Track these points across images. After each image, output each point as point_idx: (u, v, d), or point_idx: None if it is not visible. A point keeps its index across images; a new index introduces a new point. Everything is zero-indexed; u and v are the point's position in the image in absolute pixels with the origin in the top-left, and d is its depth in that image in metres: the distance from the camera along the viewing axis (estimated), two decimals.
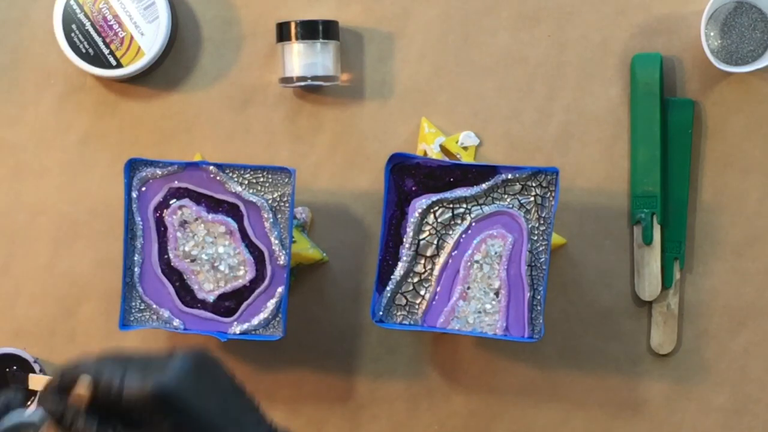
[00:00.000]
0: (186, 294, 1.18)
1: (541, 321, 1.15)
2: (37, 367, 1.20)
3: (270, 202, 1.17)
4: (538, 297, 1.15)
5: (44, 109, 1.26)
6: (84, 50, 1.22)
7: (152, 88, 1.25)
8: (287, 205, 1.17)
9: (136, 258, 1.18)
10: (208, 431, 0.84)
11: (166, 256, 1.18)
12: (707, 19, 1.20)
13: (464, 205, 1.16)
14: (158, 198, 1.18)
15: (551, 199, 1.15)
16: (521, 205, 1.15)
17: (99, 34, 1.21)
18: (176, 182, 1.18)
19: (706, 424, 1.23)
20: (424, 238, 1.16)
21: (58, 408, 0.87)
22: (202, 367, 0.86)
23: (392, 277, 1.16)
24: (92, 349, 1.24)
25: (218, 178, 1.17)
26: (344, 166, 1.24)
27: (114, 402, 0.84)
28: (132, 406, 0.84)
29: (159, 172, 1.18)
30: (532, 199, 1.15)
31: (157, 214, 1.18)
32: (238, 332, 1.18)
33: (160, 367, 0.85)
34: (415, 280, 1.17)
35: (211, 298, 1.18)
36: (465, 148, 1.23)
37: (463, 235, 1.16)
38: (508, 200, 1.16)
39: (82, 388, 0.86)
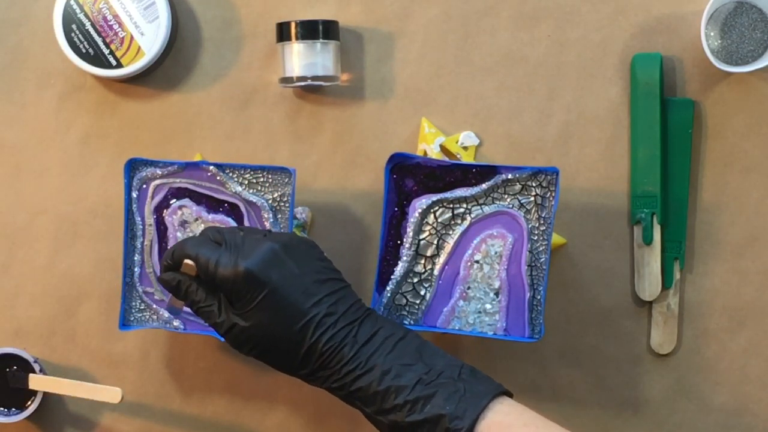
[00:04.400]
0: None
1: (541, 321, 1.15)
2: (37, 367, 1.20)
3: (270, 202, 1.17)
4: (538, 297, 1.15)
5: (44, 109, 1.26)
6: (84, 50, 1.22)
7: (152, 88, 1.25)
8: (287, 205, 1.17)
9: (136, 258, 1.18)
10: (287, 305, 1.02)
11: None
12: (707, 19, 1.20)
13: (464, 205, 1.16)
14: (158, 198, 1.18)
15: (551, 199, 1.15)
16: (521, 205, 1.15)
17: (99, 34, 1.21)
18: (176, 182, 1.18)
19: (706, 424, 1.23)
20: (424, 238, 1.16)
21: (174, 279, 1.07)
22: (288, 252, 1.04)
23: (392, 277, 1.16)
24: (92, 349, 1.25)
25: (218, 178, 1.17)
26: (344, 166, 1.24)
27: (211, 278, 1.03)
28: (225, 282, 1.03)
29: (159, 172, 1.18)
30: (532, 199, 1.15)
31: (157, 214, 1.18)
32: None
33: (247, 251, 1.03)
34: (415, 280, 1.17)
35: None
36: (465, 148, 1.23)
37: (463, 235, 1.16)
38: (508, 200, 1.16)
39: (188, 262, 1.05)
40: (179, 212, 1.18)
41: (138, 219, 1.18)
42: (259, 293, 1.02)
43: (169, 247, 1.16)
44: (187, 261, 1.05)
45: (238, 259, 1.02)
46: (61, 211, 1.26)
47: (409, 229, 1.16)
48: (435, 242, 1.16)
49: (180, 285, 1.06)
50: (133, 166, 1.18)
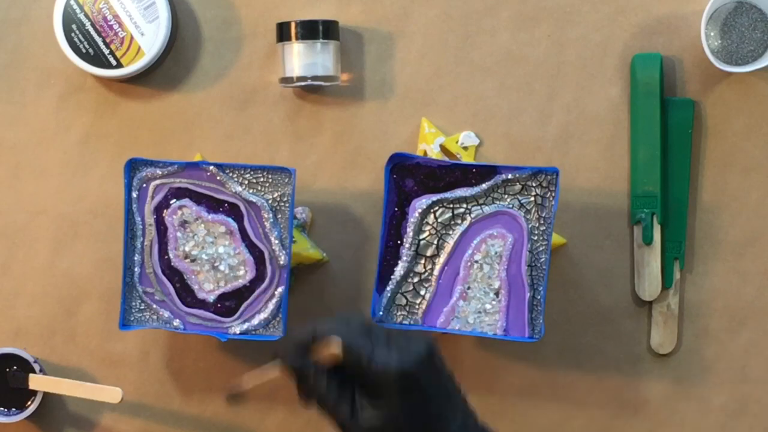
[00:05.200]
0: (186, 294, 1.18)
1: (541, 321, 1.15)
2: (37, 367, 1.20)
3: (270, 202, 1.17)
4: (538, 297, 1.15)
5: (44, 109, 1.26)
6: (84, 50, 1.22)
7: (152, 88, 1.25)
8: (287, 205, 1.17)
9: (136, 258, 1.18)
10: (434, 413, 0.94)
11: (166, 257, 1.18)
12: (707, 19, 1.20)
13: (464, 205, 1.16)
14: (158, 198, 1.18)
15: (551, 199, 1.15)
16: (521, 205, 1.15)
17: (99, 34, 1.21)
18: (176, 182, 1.18)
19: (706, 424, 1.23)
20: (424, 238, 1.16)
21: (301, 363, 0.95)
22: (434, 355, 0.95)
23: (392, 277, 1.16)
24: (92, 349, 1.25)
25: (218, 178, 1.17)
26: (344, 166, 1.24)
27: (358, 370, 0.93)
28: (374, 377, 0.93)
29: (159, 172, 1.18)
30: (532, 199, 1.15)
31: (157, 214, 1.18)
32: (238, 332, 1.18)
33: (403, 348, 0.94)
34: (415, 280, 1.17)
35: (211, 298, 1.18)
36: (465, 148, 1.23)
37: (463, 235, 1.16)
38: (508, 200, 1.16)
39: (336, 349, 0.93)
40: (179, 212, 1.18)
41: (138, 219, 1.18)
42: (409, 397, 0.93)
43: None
44: (334, 345, 0.94)
45: (394, 355, 0.93)
46: (61, 211, 1.25)
47: (409, 229, 1.16)
48: (435, 242, 1.16)
49: (307, 373, 0.95)
50: (133, 166, 1.18)
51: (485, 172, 1.16)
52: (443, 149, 1.22)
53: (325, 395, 0.95)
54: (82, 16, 1.21)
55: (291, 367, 0.96)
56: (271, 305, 1.17)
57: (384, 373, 0.92)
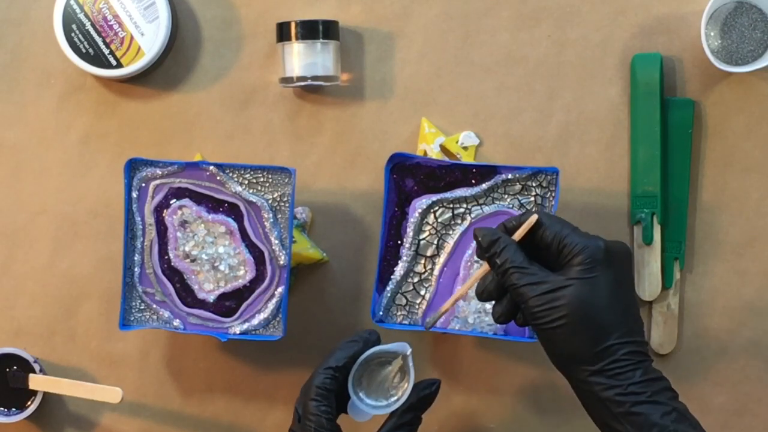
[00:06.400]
0: (186, 294, 1.18)
1: None
2: (37, 367, 1.20)
3: (270, 202, 1.17)
4: None
5: (44, 109, 1.26)
6: (84, 50, 1.22)
7: (152, 88, 1.25)
8: (287, 205, 1.17)
9: (136, 258, 1.18)
10: (623, 295, 1.00)
11: (166, 257, 1.18)
12: (707, 19, 1.20)
13: (464, 205, 1.16)
14: (158, 198, 1.18)
15: (551, 199, 1.15)
16: (521, 205, 1.15)
17: (99, 34, 1.21)
18: (176, 182, 1.18)
19: (706, 424, 1.22)
20: (424, 238, 1.16)
21: (495, 234, 1.02)
22: (630, 258, 1.03)
23: (392, 277, 1.16)
24: (92, 349, 1.25)
25: (218, 178, 1.17)
26: (344, 166, 1.24)
27: (554, 245, 1.00)
28: (567, 253, 1.00)
29: (159, 172, 1.18)
30: (532, 199, 1.15)
31: (157, 214, 1.18)
32: (238, 332, 1.18)
33: (601, 238, 1.00)
34: (415, 280, 1.17)
35: (211, 298, 1.18)
36: (465, 148, 1.23)
37: (464, 235, 1.16)
38: (508, 200, 1.16)
39: (534, 219, 1.01)
40: (179, 212, 1.18)
41: (138, 219, 1.18)
42: (592, 278, 0.98)
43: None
44: (532, 220, 1.02)
45: (592, 238, 1.00)
46: (61, 211, 1.25)
47: (409, 229, 1.16)
48: (435, 242, 1.16)
49: (499, 242, 1.01)
50: (133, 166, 1.18)
51: (485, 172, 1.16)
52: (443, 149, 1.22)
53: (507, 260, 1.00)
54: (82, 16, 1.21)
55: (483, 234, 1.02)
56: (271, 305, 1.17)
57: (580, 248, 0.99)
